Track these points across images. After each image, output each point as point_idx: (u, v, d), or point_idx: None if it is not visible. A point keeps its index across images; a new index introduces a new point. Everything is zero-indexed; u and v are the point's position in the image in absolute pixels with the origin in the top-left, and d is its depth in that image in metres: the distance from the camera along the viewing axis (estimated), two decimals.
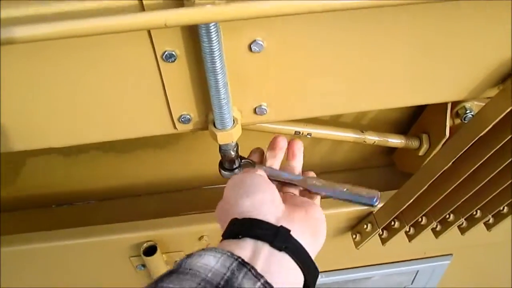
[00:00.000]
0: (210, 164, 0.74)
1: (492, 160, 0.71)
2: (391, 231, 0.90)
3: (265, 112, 0.64)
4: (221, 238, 0.51)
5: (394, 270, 1.15)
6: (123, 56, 0.55)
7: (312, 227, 0.52)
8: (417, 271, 1.20)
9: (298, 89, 0.63)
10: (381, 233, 0.92)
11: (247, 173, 0.58)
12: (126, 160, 0.99)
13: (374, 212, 0.90)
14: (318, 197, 0.64)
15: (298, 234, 0.48)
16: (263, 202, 0.51)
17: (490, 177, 0.73)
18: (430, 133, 0.90)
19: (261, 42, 0.55)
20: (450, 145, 0.74)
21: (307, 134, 0.83)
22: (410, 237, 0.91)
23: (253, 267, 0.41)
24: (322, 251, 1.08)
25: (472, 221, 0.89)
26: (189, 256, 0.43)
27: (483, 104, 0.72)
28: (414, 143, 0.91)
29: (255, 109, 0.64)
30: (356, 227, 0.94)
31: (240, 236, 0.46)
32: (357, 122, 0.94)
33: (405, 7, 0.54)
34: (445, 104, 0.83)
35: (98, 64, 0.56)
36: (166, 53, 0.54)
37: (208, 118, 0.63)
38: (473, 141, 0.69)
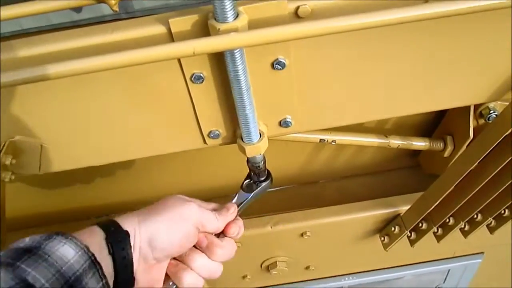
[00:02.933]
0: (232, 174, 0.78)
1: None
2: (419, 233, 0.91)
3: (290, 125, 0.67)
4: None
5: (425, 270, 1.16)
6: (156, 80, 0.60)
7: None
8: (449, 270, 1.19)
9: (320, 101, 0.65)
10: (409, 234, 0.93)
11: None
12: (153, 173, 1.04)
13: (401, 215, 0.91)
14: None
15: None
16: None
17: None
18: (454, 135, 0.90)
19: (283, 60, 0.58)
20: (475, 145, 0.75)
21: (332, 141, 0.86)
22: (439, 238, 0.92)
23: (101, 268, 0.46)
24: (352, 253, 1.09)
25: (500, 220, 0.89)
26: (50, 237, 0.46)
27: (507, 103, 0.72)
28: (439, 145, 0.91)
29: (280, 122, 0.67)
30: (384, 230, 0.96)
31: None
32: (381, 127, 0.96)
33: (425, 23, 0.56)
34: (468, 105, 0.83)
35: (134, 89, 0.61)
36: (195, 75, 0.59)
37: (236, 133, 0.67)
38: (497, 142, 0.70)
